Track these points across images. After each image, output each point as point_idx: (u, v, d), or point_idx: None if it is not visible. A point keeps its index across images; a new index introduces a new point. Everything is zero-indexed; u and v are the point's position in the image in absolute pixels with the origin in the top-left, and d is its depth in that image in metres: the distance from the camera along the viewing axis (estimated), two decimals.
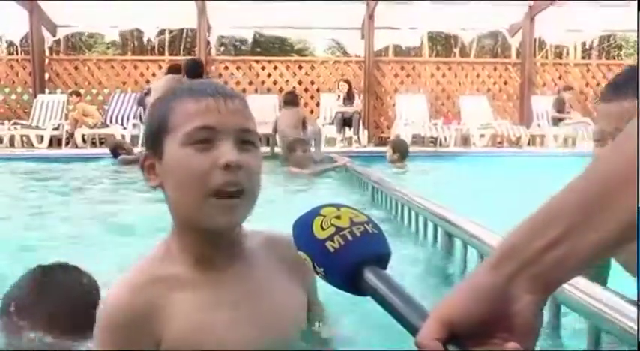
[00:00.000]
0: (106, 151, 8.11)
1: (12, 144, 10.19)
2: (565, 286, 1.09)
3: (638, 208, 0.57)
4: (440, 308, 0.62)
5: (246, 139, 1.05)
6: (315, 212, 0.74)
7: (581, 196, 0.60)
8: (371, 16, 11.71)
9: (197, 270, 1.05)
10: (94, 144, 10.48)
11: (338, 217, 0.73)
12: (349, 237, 0.70)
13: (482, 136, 10.77)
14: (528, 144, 10.76)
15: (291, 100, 8.24)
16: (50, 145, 10.23)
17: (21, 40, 13.65)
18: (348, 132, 10.65)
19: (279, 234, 1.14)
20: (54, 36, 12.30)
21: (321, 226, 0.72)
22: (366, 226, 0.72)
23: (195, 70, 6.71)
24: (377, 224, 0.75)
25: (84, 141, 10.41)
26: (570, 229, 0.59)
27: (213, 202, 1.00)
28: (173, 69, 7.76)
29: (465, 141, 10.76)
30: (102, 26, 12.89)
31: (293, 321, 1.11)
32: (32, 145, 10.20)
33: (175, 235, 1.08)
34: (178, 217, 1.08)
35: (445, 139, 10.67)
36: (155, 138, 1.07)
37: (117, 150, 7.78)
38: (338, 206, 0.75)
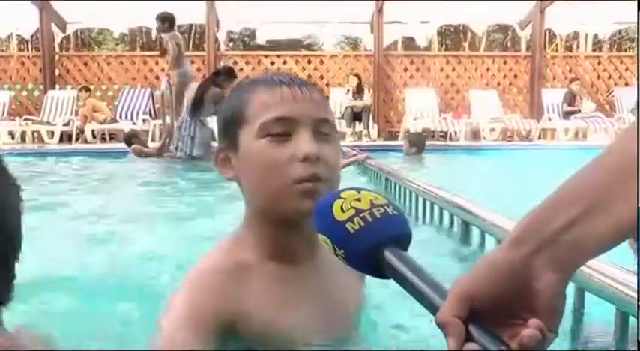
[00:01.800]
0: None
1: (23, 140, 10.26)
2: (592, 273, 1.07)
3: (638, 208, 0.57)
4: (458, 285, 0.61)
5: (324, 130, 1.03)
6: (335, 195, 0.75)
7: (600, 179, 0.60)
8: (380, 10, 11.66)
9: (272, 262, 1.04)
10: (103, 139, 10.52)
11: (358, 200, 0.73)
12: (369, 219, 0.71)
13: (492, 130, 10.72)
14: (539, 137, 10.70)
15: None
16: (61, 140, 10.28)
17: (31, 37, 13.72)
18: (358, 126, 10.63)
19: None
20: (64, 32, 12.34)
21: (342, 208, 0.72)
22: (386, 208, 0.73)
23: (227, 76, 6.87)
24: (398, 207, 0.75)
25: (94, 136, 10.45)
26: (588, 210, 0.59)
27: (294, 188, 0.98)
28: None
29: (475, 135, 10.71)
30: (111, 22, 12.92)
31: (353, 319, 1.11)
32: (43, 141, 10.26)
33: (250, 228, 1.06)
34: (257, 208, 1.05)
35: (455, 133, 10.63)
36: (230, 130, 1.05)
37: (131, 139, 7.90)
38: (358, 189, 0.76)
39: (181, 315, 0.97)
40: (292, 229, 1.03)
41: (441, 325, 0.60)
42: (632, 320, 1.06)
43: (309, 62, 12.35)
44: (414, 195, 3.06)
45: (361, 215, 0.71)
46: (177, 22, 8.96)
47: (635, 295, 1.01)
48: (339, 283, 1.08)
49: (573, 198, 0.60)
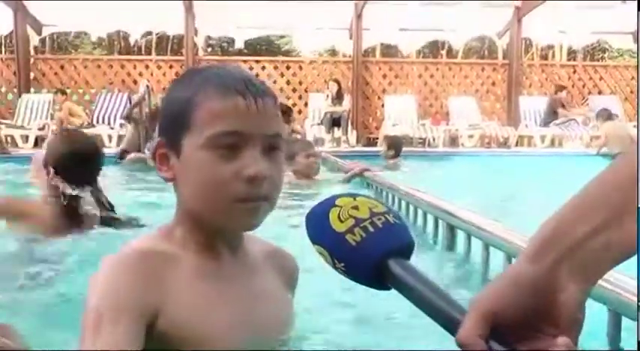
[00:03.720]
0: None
1: None
2: None
3: (638, 208, 0.56)
4: (480, 302, 0.59)
5: (273, 144, 0.98)
6: (329, 203, 0.70)
7: (627, 181, 0.58)
8: (359, 16, 11.71)
9: (201, 257, 1.00)
10: None
11: (356, 208, 0.69)
12: (370, 229, 0.67)
13: (470, 136, 10.81)
14: (516, 144, 10.82)
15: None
16: (36, 145, 10.09)
17: (5, 39, 13.48)
18: (337, 132, 10.64)
19: (276, 245, 1.14)
20: (39, 35, 12.15)
21: (339, 217, 0.68)
22: (386, 216, 0.69)
23: None
24: (397, 213, 0.71)
25: None
26: (615, 214, 0.57)
27: (235, 206, 0.95)
28: None
29: (454, 141, 10.79)
30: (87, 26, 12.77)
31: (285, 329, 1.08)
32: (17, 145, 10.06)
33: (179, 223, 1.02)
34: (191, 214, 1.01)
35: (433, 139, 10.70)
36: (173, 131, 0.99)
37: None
38: (354, 196, 0.71)
39: (103, 305, 0.87)
40: (221, 232, 1.01)
41: (463, 346, 0.58)
42: (625, 321, 1.06)
43: (287, 68, 12.34)
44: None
45: (361, 225, 0.67)
46: (154, 30, 8.79)
47: (629, 296, 1.01)
48: (268, 292, 1.05)
49: (597, 204, 0.58)
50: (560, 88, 11.65)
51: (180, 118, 0.97)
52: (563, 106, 11.22)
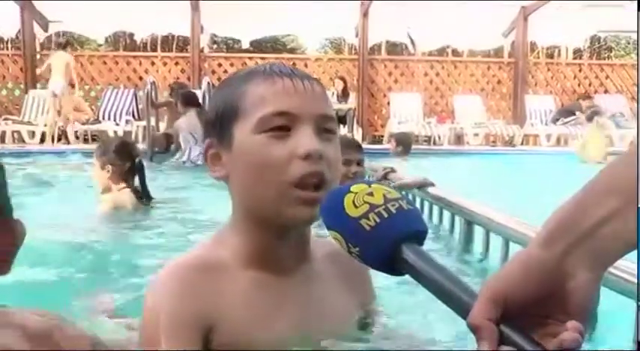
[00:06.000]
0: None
1: (2, 140, 10.07)
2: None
3: (638, 208, 0.57)
4: (491, 286, 0.60)
5: (326, 127, 0.96)
6: (344, 189, 0.71)
7: (632, 173, 0.59)
8: (365, 14, 11.70)
9: (257, 266, 0.97)
10: (86, 140, 10.37)
11: (370, 194, 0.70)
12: (385, 214, 0.68)
13: (476, 134, 10.80)
14: (522, 143, 10.80)
15: None
16: (42, 140, 10.12)
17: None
18: (343, 129, 10.64)
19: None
20: (46, 31, 12.18)
21: (354, 203, 0.69)
22: (400, 202, 0.70)
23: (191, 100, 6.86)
24: (411, 200, 0.72)
25: (76, 137, 10.31)
26: (622, 204, 0.58)
27: (295, 193, 0.91)
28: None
29: (459, 139, 10.78)
30: (93, 26, 12.77)
31: (342, 336, 1.03)
32: (23, 141, 10.09)
33: (236, 230, 0.99)
34: (248, 210, 0.97)
35: (439, 137, 10.70)
36: (222, 124, 0.97)
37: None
38: (368, 183, 0.72)
39: (160, 319, 0.90)
40: (281, 236, 0.97)
41: (473, 328, 0.58)
42: None
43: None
44: None
45: (376, 211, 0.68)
46: (161, 33, 8.80)
47: None
48: (330, 301, 1.01)
49: (612, 189, 0.59)
50: (587, 97, 11.53)
51: (229, 109, 0.97)
52: (581, 111, 11.15)
